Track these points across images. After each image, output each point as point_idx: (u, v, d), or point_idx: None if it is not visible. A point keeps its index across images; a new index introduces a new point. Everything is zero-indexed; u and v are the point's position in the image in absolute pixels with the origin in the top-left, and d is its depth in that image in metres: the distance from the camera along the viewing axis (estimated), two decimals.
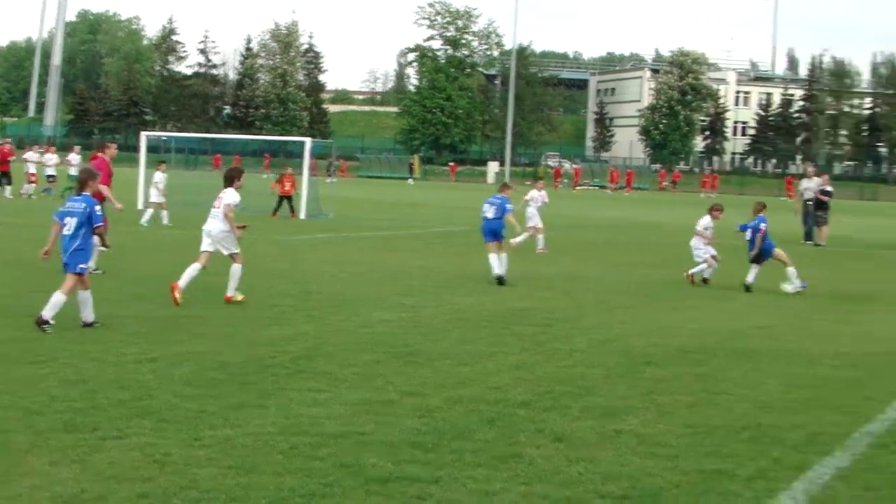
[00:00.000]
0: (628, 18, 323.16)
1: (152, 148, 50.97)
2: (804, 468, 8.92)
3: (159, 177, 35.23)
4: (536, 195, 31.18)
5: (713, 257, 22.92)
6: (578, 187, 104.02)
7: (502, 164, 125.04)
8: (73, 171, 47.55)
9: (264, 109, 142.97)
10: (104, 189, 19.63)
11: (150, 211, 34.50)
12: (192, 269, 17.24)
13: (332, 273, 22.15)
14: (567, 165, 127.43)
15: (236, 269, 17.39)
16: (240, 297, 17.32)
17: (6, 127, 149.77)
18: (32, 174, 47.03)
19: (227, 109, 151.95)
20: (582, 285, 21.84)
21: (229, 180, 17.62)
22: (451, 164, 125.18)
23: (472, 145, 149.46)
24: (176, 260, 22.70)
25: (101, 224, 14.53)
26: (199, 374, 11.66)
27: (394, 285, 20.50)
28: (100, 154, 22.31)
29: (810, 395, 11.88)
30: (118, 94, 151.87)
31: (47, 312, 13.98)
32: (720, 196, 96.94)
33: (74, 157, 48.32)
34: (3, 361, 11.85)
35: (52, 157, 48.78)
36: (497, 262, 21.69)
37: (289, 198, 41.16)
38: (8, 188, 44.80)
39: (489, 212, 22.05)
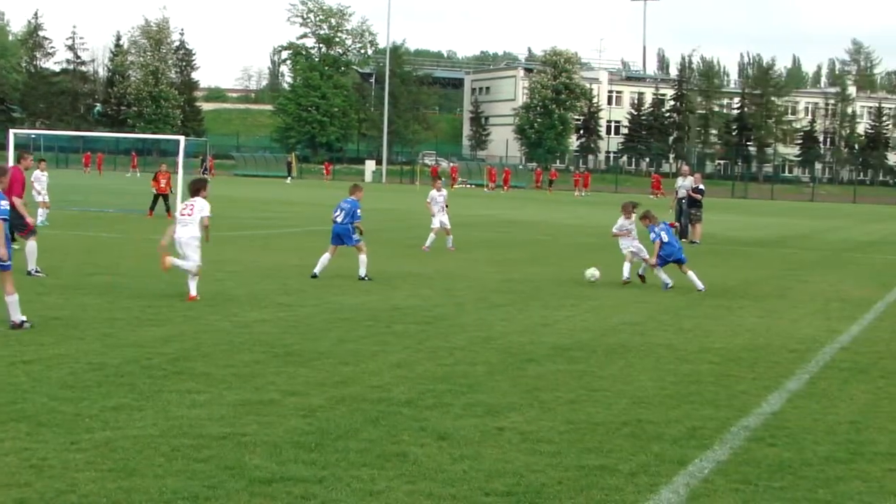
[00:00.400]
0: (500, 18, 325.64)
1: (21, 146, 49.89)
2: (684, 462, 9.05)
3: (38, 175, 34.55)
4: (436, 195, 30.90)
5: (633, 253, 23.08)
6: (456, 186, 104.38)
7: (379, 162, 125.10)
8: None
9: (136, 107, 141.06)
10: (17, 202, 19.87)
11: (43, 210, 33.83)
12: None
13: (209, 273, 21.87)
14: (444, 164, 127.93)
15: (191, 267, 18.08)
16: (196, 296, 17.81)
17: None
18: None
19: (98, 107, 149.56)
20: (462, 283, 21.90)
21: (196, 191, 18.61)
22: (325, 162, 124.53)
23: (349, 144, 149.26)
24: (48, 261, 22.28)
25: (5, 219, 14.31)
26: (76, 376, 11.44)
27: (271, 284, 20.36)
28: (17, 165, 22.47)
29: (685, 391, 12.06)
30: None
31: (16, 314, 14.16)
32: (596, 194, 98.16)
33: None
34: None
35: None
36: (322, 263, 21.82)
37: (164, 196, 40.57)
38: None
39: (339, 216, 22.10)
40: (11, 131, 46.85)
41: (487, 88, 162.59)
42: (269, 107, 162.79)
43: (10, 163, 42.79)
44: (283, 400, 10.71)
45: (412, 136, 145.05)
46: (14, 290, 14.35)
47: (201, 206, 18.61)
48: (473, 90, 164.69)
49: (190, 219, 18.50)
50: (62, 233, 30.62)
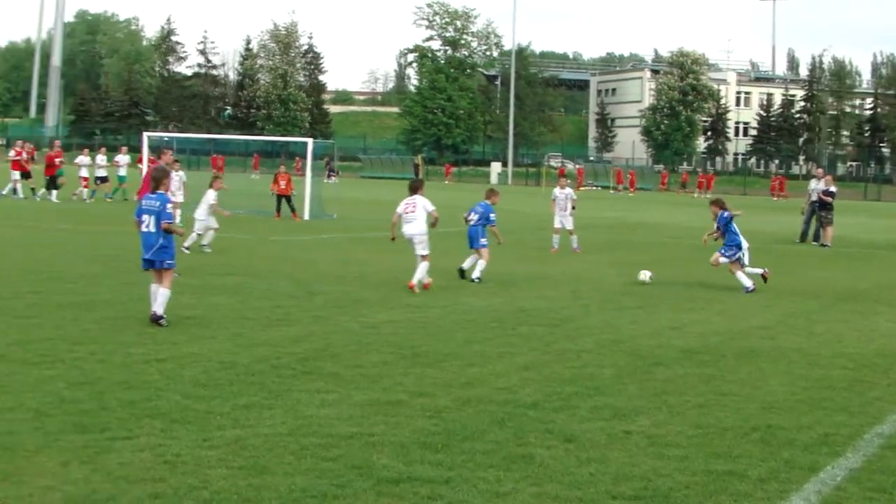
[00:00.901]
0: (626, 19, 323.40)
1: (154, 148, 50.97)
2: (815, 469, 8.89)
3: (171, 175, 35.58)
4: (559, 193, 30.69)
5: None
6: (582, 188, 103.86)
7: (504, 164, 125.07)
8: (122, 172, 47.50)
9: (265, 110, 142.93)
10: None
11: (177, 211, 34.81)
12: None
13: (338, 274, 22.13)
14: (570, 166, 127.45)
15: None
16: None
17: (8, 128, 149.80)
18: (85, 178, 47.08)
19: (229, 110, 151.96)
20: (588, 285, 21.81)
21: (415, 189, 20.52)
22: (446, 164, 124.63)
23: (475, 146, 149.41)
24: (181, 262, 22.73)
25: (169, 221, 14.87)
26: (208, 374, 11.65)
27: (399, 286, 20.46)
28: (157, 159, 23.08)
29: (816, 396, 11.85)
30: (119, 95, 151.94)
31: (159, 308, 14.61)
32: (721, 196, 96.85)
33: (122, 158, 48.65)
34: (9, 363, 11.83)
35: (102, 159, 48.36)
36: (470, 260, 22.20)
37: (287, 197, 40.55)
38: (55, 192, 44.97)
39: (472, 218, 22.54)
40: (145, 134, 48.03)
41: (613, 90, 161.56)
42: (395, 109, 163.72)
43: (144, 164, 43.94)
44: (411, 401, 10.78)
45: (538, 138, 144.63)
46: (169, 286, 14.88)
47: (423, 203, 20.35)
48: (599, 92, 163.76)
49: (414, 215, 20.33)
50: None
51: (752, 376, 12.87)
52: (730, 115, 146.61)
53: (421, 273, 19.98)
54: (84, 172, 47.18)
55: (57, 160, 45.47)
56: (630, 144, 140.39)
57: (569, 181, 33.11)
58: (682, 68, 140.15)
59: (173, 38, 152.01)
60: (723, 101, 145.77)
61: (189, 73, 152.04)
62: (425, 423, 9.86)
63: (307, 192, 41.74)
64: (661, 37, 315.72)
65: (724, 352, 14.48)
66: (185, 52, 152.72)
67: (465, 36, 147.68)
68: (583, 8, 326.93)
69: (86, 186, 46.69)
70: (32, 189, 45.99)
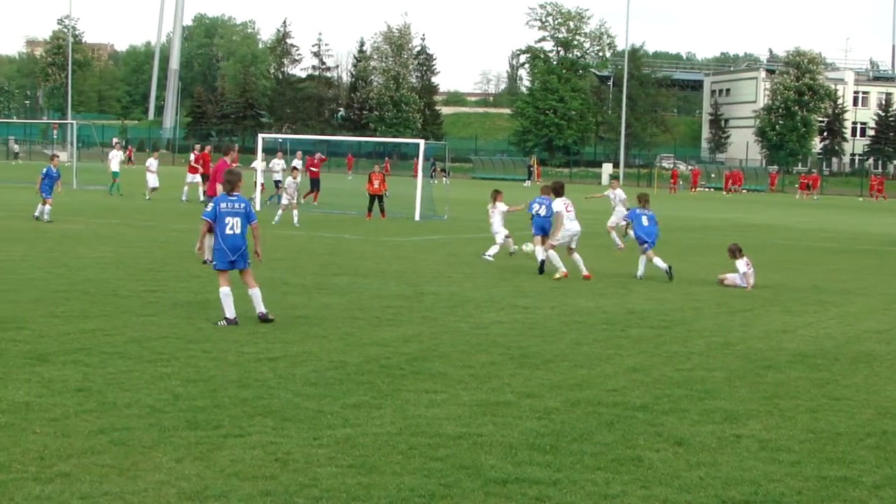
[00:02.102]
0: (741, 18, 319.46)
1: (269, 149, 51.60)
2: None
3: (289, 181, 36.47)
4: (611, 194, 32.73)
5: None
6: (696, 189, 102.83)
7: (616, 165, 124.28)
8: (277, 177, 47.63)
9: (378, 111, 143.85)
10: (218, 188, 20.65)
11: (295, 211, 35.37)
12: None
13: (447, 274, 22.21)
14: (682, 167, 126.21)
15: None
16: None
17: (127, 130, 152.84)
18: (262, 183, 47.05)
19: (341, 111, 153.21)
20: (700, 287, 21.63)
21: (561, 188, 21.51)
22: (537, 166, 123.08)
23: (586, 147, 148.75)
24: (294, 262, 23.04)
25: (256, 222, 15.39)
26: (318, 373, 11.78)
27: (508, 286, 20.48)
28: (224, 157, 23.32)
29: None
30: (234, 97, 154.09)
31: (260, 307, 15.02)
32: (836, 198, 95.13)
33: (278, 163, 48.48)
34: (126, 360, 12.08)
35: (278, 163, 48.29)
36: (542, 251, 23.46)
37: (379, 197, 40.56)
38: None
39: (541, 209, 24.12)
40: (260, 135, 48.70)
41: (727, 90, 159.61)
42: (507, 110, 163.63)
43: (259, 167, 44.45)
44: (519, 401, 10.78)
45: (650, 139, 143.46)
46: (255, 283, 15.21)
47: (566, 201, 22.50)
48: (713, 92, 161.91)
49: (574, 213, 22.51)
50: (307, 234, 31.53)
51: (868, 381, 12.65)
52: (847, 116, 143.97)
53: (581, 263, 22.15)
54: (260, 178, 47.00)
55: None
56: (744, 145, 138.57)
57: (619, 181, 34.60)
58: (798, 68, 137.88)
59: (288, 41, 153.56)
60: (840, 101, 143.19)
61: (303, 75, 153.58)
62: (534, 425, 9.86)
63: (418, 193, 41.91)
64: (776, 36, 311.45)
65: (837, 356, 14.26)
66: (299, 54, 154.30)
67: (577, 37, 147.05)
68: (697, 8, 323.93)
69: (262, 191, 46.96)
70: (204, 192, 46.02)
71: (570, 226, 22.39)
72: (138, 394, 10.44)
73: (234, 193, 15.15)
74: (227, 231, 14.84)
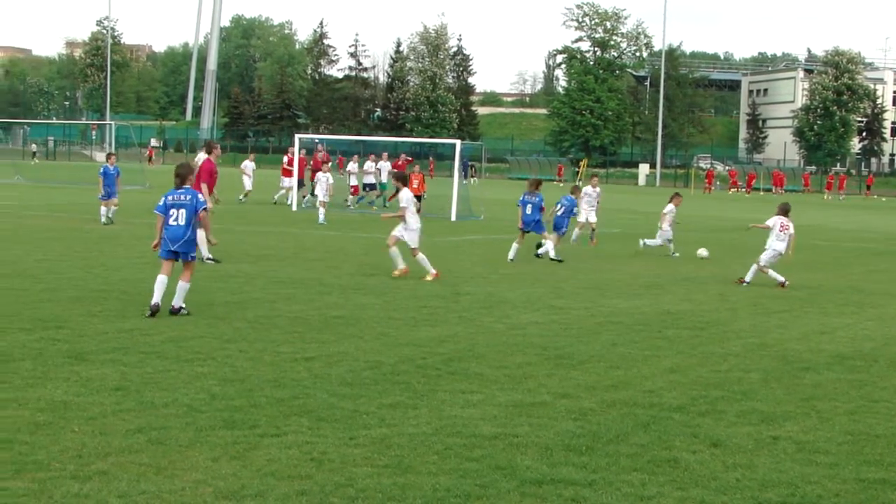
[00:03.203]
0: (779, 18, 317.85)
1: (305, 149, 51.71)
2: None
3: (320, 177, 36.72)
4: (591, 191, 32.93)
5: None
6: (732, 190, 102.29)
7: (653, 166, 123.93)
8: (369, 179, 47.03)
9: (414, 112, 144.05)
10: (204, 188, 21.84)
11: (321, 210, 35.62)
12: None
13: (483, 274, 22.21)
14: (720, 167, 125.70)
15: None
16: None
17: (165, 130, 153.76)
18: (354, 186, 47.25)
19: (378, 112, 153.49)
20: (736, 288, 21.54)
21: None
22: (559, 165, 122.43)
23: (623, 147, 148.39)
24: (329, 262, 23.10)
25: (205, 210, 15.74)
26: (354, 373, 11.80)
27: (544, 287, 20.46)
28: (208, 156, 23.60)
29: None
30: (271, 98, 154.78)
31: (178, 301, 15.24)
32: (872, 199, 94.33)
33: (370, 166, 47.35)
34: (164, 359, 12.15)
35: (372, 165, 47.50)
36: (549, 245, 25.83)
37: (419, 197, 40.46)
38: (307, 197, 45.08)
39: (559, 210, 26.87)
40: (297, 136, 48.76)
41: (765, 90, 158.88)
42: (543, 110, 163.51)
43: (296, 167, 44.53)
44: (555, 402, 10.77)
45: (687, 139, 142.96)
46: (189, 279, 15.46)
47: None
48: (750, 92, 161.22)
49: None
50: (342, 234, 31.60)
51: None
52: (886, 116, 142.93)
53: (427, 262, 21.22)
54: (353, 181, 47.31)
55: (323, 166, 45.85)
56: (781, 146, 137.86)
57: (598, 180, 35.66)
58: (836, 68, 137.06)
59: (325, 42, 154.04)
60: (879, 101, 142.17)
61: (340, 75, 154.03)
62: (569, 425, 9.85)
63: (454, 194, 41.94)
64: (815, 36, 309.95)
65: (876, 357, 14.17)
66: (336, 55, 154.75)
67: (614, 37, 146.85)
68: (735, 7, 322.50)
69: (354, 193, 46.83)
70: (304, 197, 45.37)
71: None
72: (175, 393, 10.49)
73: (184, 186, 15.60)
74: (171, 222, 15.42)
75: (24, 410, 9.66)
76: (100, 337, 13.36)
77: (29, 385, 10.64)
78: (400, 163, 48.14)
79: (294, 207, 43.29)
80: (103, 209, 31.91)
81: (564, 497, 7.82)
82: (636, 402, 10.90)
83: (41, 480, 7.75)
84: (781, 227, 22.51)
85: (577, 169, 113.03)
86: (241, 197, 46.04)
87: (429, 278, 20.60)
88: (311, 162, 46.35)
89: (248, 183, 47.74)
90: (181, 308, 15.25)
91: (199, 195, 15.73)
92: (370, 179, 46.85)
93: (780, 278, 22.06)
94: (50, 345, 12.72)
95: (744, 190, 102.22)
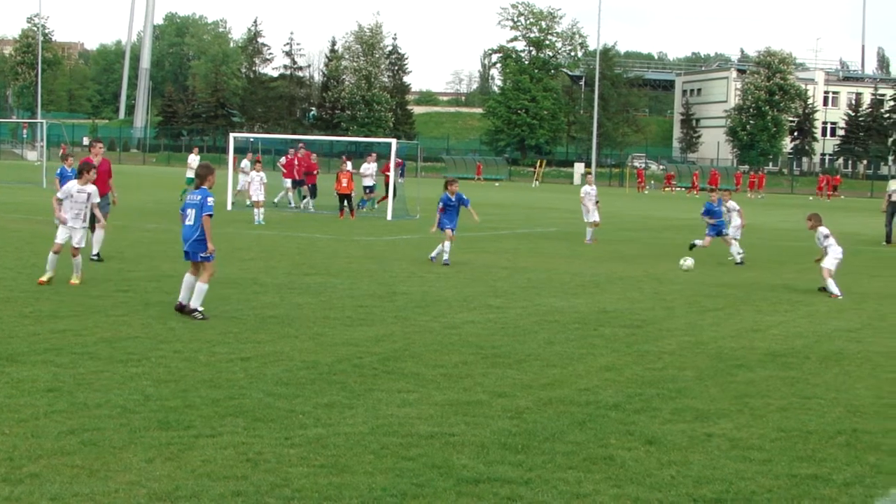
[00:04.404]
0: (712, 19, 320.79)
1: (240, 149, 51.40)
2: None
3: (254, 175, 36.57)
4: (589, 190, 33.83)
5: None
6: (667, 189, 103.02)
7: (588, 165, 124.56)
8: (368, 182, 45.99)
9: (350, 111, 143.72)
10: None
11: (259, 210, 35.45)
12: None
13: (419, 274, 22.20)
14: (654, 167, 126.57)
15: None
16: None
17: (98, 129, 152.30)
18: (369, 187, 45.98)
19: (313, 111, 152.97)
20: (671, 287, 21.68)
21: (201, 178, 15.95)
22: (478, 164, 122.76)
23: (558, 146, 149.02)
24: (265, 261, 23.00)
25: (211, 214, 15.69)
26: (290, 373, 11.76)
27: (480, 286, 20.49)
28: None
29: None
30: (206, 97, 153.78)
31: (195, 301, 15.21)
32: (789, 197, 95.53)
33: (367, 167, 46.03)
34: (97, 360, 12.03)
35: (369, 167, 46.09)
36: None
37: (347, 196, 40.54)
38: (312, 202, 44.61)
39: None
40: (231, 135, 48.53)
41: (699, 90, 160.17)
42: (479, 110, 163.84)
43: (230, 167, 44.28)
44: (491, 401, 10.79)
45: (622, 139, 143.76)
46: (207, 281, 15.39)
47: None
48: (684, 92, 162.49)
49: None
50: (278, 233, 31.47)
51: (838, 380, 12.71)
52: (817, 115, 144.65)
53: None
54: (367, 182, 45.86)
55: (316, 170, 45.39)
56: (715, 145, 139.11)
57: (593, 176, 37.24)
58: (769, 68, 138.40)
59: (260, 40, 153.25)
60: (810, 101, 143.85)
61: (275, 74, 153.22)
62: (506, 424, 9.86)
63: (390, 193, 41.88)
64: (747, 36, 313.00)
65: (808, 354, 14.32)
66: (271, 53, 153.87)
67: (549, 36, 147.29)
68: (668, 8, 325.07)
69: (370, 195, 45.96)
70: (304, 198, 45.10)
71: None
72: (109, 394, 10.39)
73: (201, 187, 15.65)
74: (186, 222, 15.60)
75: None
76: (31, 338, 13.21)
77: None
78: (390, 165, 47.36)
79: (228, 207, 43.00)
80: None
81: (501, 495, 7.83)
82: (572, 401, 10.94)
83: None
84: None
85: (534, 170, 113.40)
86: (248, 202, 45.33)
87: None
88: (299, 164, 45.26)
89: (246, 185, 46.27)
90: (196, 311, 15.12)
91: (209, 199, 15.60)
92: (368, 182, 45.87)
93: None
94: None
95: (682, 189, 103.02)
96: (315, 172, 45.63)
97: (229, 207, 42.91)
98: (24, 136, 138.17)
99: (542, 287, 20.84)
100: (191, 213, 15.52)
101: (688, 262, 24.90)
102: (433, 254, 24.97)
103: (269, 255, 24.64)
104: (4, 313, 14.93)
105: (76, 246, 18.33)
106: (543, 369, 12.59)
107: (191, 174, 46.01)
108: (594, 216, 33.11)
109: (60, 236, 18.40)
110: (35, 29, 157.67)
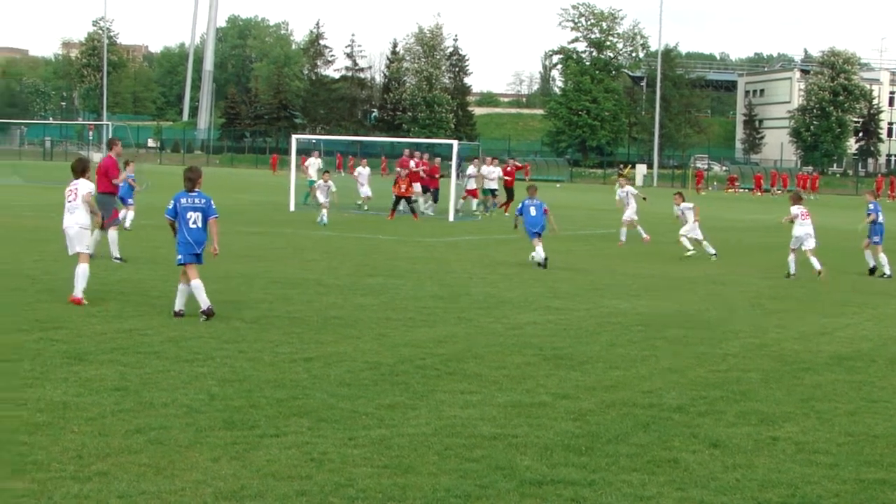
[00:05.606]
0: (775, 19, 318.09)
1: (302, 150, 51.62)
2: None
3: (321, 184, 36.70)
4: (631, 189, 33.92)
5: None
6: (729, 191, 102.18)
7: (650, 166, 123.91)
8: (366, 190, 45.45)
9: (411, 112, 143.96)
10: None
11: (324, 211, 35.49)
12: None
13: (481, 275, 22.19)
14: (716, 168, 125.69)
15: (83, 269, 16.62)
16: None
17: (162, 130, 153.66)
18: (471, 190, 44.98)
19: (375, 112, 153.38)
20: (733, 289, 21.52)
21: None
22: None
23: (619, 147, 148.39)
24: (328, 262, 23.11)
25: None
26: (353, 374, 11.80)
27: (541, 287, 20.45)
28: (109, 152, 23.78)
29: None
30: (268, 98, 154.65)
31: (205, 301, 15.09)
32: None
33: (473, 170, 45.43)
34: (162, 359, 12.15)
35: (493, 171, 44.92)
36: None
37: (407, 198, 40.62)
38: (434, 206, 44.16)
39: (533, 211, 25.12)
40: (294, 137, 48.71)
41: (761, 91, 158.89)
42: (539, 111, 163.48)
43: (293, 168, 44.44)
44: (554, 403, 10.77)
45: (683, 140, 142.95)
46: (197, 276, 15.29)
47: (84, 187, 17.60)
48: (747, 92, 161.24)
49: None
50: (341, 235, 31.59)
51: None
52: (882, 116, 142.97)
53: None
54: (471, 184, 45.08)
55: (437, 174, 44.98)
56: (778, 146, 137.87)
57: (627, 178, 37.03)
58: (832, 68, 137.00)
59: (321, 42, 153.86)
60: (875, 102, 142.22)
61: (336, 76, 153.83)
62: (569, 426, 9.85)
63: (452, 194, 41.94)
64: (811, 36, 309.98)
65: (874, 358, 14.18)
66: (332, 55, 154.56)
67: (610, 37, 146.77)
68: (731, 8, 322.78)
69: (472, 196, 45.13)
70: (426, 203, 44.35)
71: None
72: (175, 393, 10.49)
73: (195, 190, 15.53)
74: (191, 225, 15.35)
75: (24, 411, 9.65)
76: (98, 337, 13.36)
77: (28, 385, 10.65)
78: (509, 168, 47.07)
79: (291, 208, 43.17)
80: (126, 213, 31.73)
81: (564, 497, 7.83)
82: (635, 403, 10.91)
83: (41, 481, 7.75)
84: (803, 215, 24.07)
85: (620, 171, 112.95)
86: (358, 202, 45.44)
87: None
88: (426, 169, 44.60)
89: (364, 190, 45.91)
90: (209, 309, 15.08)
91: (212, 202, 15.64)
92: (493, 185, 45.07)
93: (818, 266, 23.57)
94: (49, 345, 12.72)
95: (745, 191, 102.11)
96: (438, 177, 45.34)
97: (292, 209, 43.10)
98: (90, 137, 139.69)
99: (602, 289, 20.75)
100: (196, 216, 15.34)
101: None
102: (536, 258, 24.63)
103: (331, 257, 24.74)
104: (72, 313, 15.11)
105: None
106: (606, 371, 12.55)
107: (313, 177, 45.57)
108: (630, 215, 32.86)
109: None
110: (100, 32, 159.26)
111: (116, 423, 9.33)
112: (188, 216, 15.33)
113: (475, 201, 45.17)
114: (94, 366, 11.67)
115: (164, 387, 10.77)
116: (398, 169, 43.07)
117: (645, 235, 32.72)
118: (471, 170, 45.81)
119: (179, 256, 15.40)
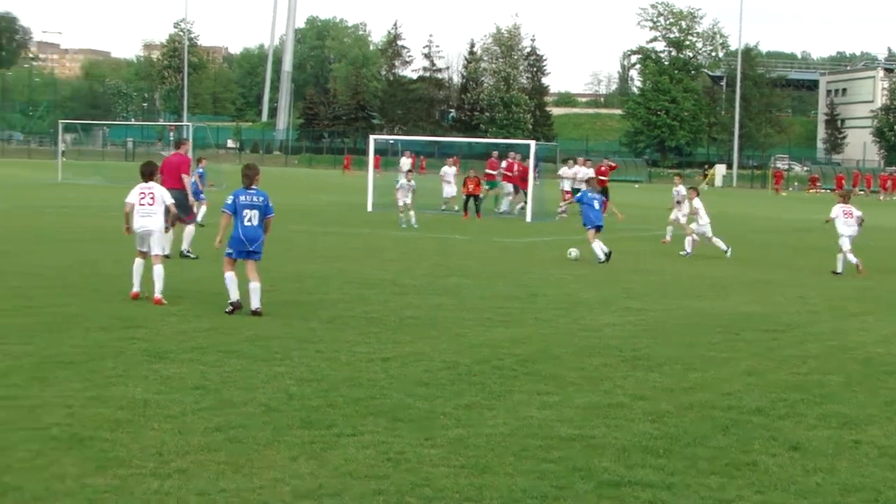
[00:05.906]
0: (858, 17, 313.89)
1: (380, 151, 51.76)
2: None
3: (403, 183, 36.46)
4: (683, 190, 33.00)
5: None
6: (811, 191, 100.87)
7: (730, 166, 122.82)
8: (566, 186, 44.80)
9: (488, 112, 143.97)
10: (185, 179, 22.64)
11: (412, 213, 35.35)
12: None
13: (558, 276, 22.13)
14: (797, 168, 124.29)
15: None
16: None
17: (242, 131, 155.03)
18: (567, 192, 43.83)
19: (452, 113, 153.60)
20: (814, 291, 21.25)
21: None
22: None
23: (699, 147, 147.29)
24: (405, 263, 23.16)
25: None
26: (430, 373, 11.81)
27: (615, 288, 20.34)
28: (177, 150, 24.10)
29: None
30: (346, 99, 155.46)
31: (256, 302, 15.34)
32: None
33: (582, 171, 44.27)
34: (241, 358, 12.24)
35: (583, 171, 43.26)
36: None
37: (475, 197, 40.89)
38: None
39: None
40: (371, 137, 48.90)
41: (844, 90, 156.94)
42: (618, 111, 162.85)
43: (371, 168, 44.58)
44: (632, 404, 10.71)
45: (764, 140, 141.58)
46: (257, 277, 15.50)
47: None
48: (829, 92, 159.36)
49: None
50: (419, 235, 31.65)
51: None
52: None
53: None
54: (566, 185, 44.78)
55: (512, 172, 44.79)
56: (861, 146, 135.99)
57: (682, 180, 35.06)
58: None
59: (399, 43, 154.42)
60: None
61: (414, 76, 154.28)
62: (647, 427, 9.78)
63: (529, 194, 41.85)
64: (894, 35, 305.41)
65: None
66: (410, 56, 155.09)
67: (689, 37, 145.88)
68: (812, 6, 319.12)
69: (567, 198, 43.44)
70: (519, 205, 44.42)
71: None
72: (254, 392, 10.57)
73: (253, 187, 15.68)
74: (246, 223, 15.51)
75: (106, 408, 9.78)
76: (178, 336, 13.50)
77: (110, 383, 10.78)
78: (603, 168, 46.73)
79: (369, 208, 43.33)
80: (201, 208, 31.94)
81: (642, 499, 7.77)
82: (714, 405, 10.81)
83: (122, 477, 7.84)
84: (845, 213, 24.20)
85: (705, 172, 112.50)
86: (442, 207, 45.50)
87: None
88: (518, 170, 44.58)
89: (448, 190, 45.89)
90: (260, 308, 15.31)
91: (270, 200, 15.81)
92: (583, 186, 44.39)
93: (854, 259, 23.92)
94: (129, 344, 12.87)
95: (827, 191, 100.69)
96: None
97: (370, 209, 43.27)
98: (171, 138, 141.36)
99: (680, 289, 20.59)
100: (252, 213, 15.49)
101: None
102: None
103: (408, 257, 24.80)
104: (152, 312, 15.29)
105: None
106: (685, 373, 12.45)
107: (401, 178, 45.56)
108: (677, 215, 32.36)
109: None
110: (181, 34, 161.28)
111: (196, 421, 9.42)
112: (244, 213, 15.53)
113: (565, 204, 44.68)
114: (175, 364, 11.79)
115: (242, 385, 10.86)
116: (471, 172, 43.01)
117: (668, 237, 31.96)
118: (565, 170, 45.65)
119: (230, 250, 15.65)
